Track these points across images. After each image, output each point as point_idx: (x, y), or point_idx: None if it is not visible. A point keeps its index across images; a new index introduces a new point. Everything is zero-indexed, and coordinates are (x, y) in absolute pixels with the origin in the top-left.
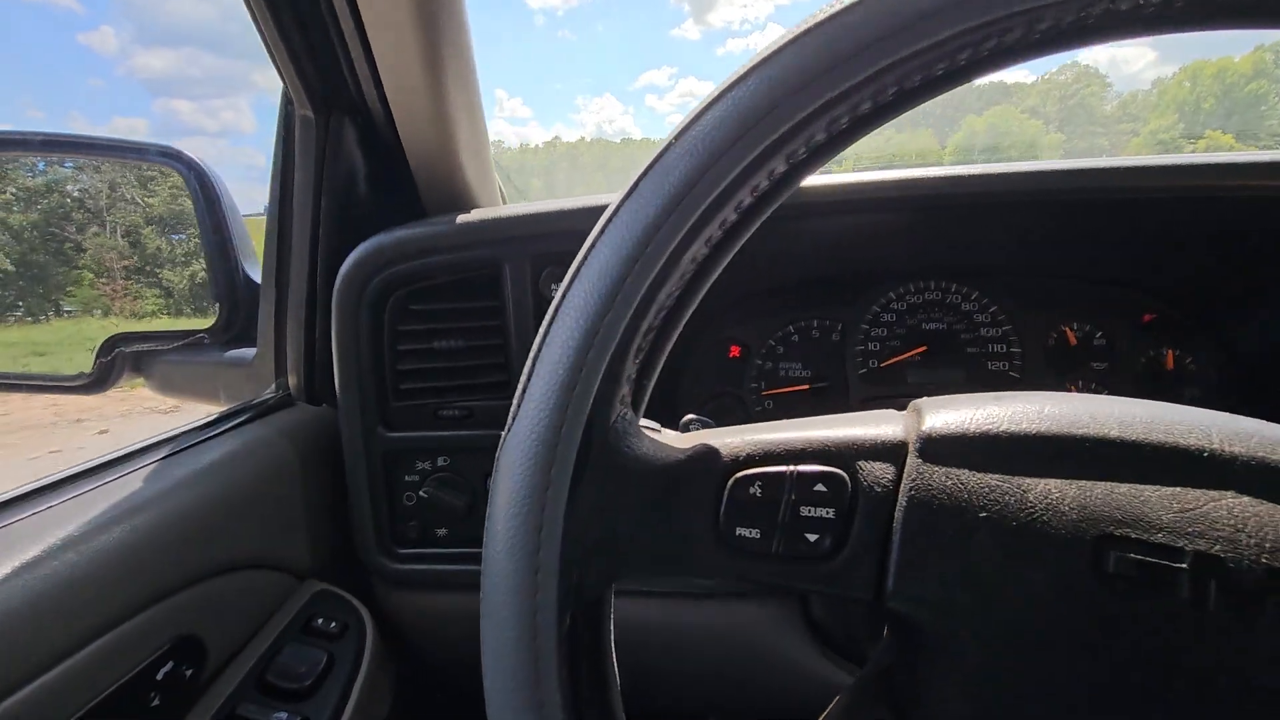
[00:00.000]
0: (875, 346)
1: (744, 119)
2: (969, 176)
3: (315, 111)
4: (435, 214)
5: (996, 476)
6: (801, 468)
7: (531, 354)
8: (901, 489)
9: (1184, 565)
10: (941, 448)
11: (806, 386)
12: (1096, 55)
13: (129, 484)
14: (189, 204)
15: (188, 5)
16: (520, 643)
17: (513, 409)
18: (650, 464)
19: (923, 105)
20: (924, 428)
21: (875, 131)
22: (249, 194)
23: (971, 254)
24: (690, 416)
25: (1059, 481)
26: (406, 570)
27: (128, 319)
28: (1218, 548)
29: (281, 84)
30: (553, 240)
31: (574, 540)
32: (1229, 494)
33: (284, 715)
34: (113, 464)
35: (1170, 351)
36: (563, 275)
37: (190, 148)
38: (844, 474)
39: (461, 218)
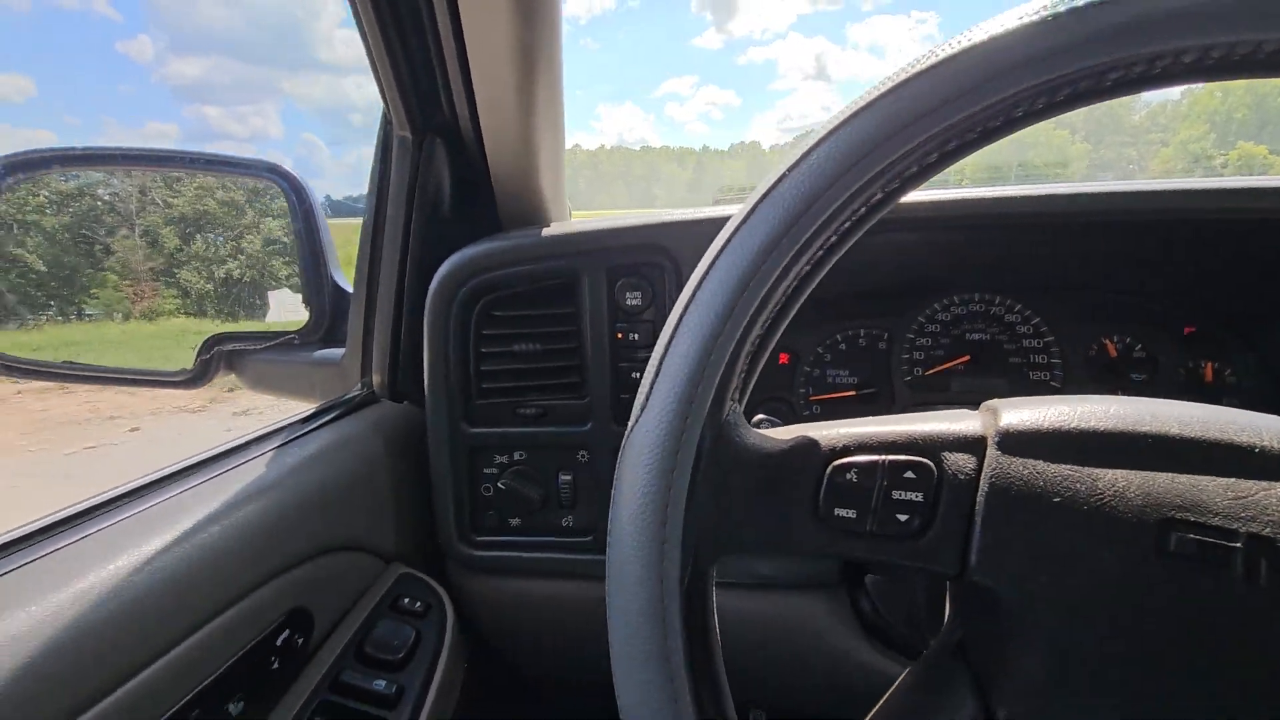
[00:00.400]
0: (920, 355)
1: (848, 157)
2: (1016, 198)
3: (412, 133)
4: (511, 227)
5: (1069, 467)
6: (893, 457)
7: (657, 356)
8: (983, 477)
9: (1238, 545)
10: (1018, 441)
11: (853, 393)
12: None
13: (249, 471)
14: (213, 204)
15: (219, 12)
16: (650, 603)
17: (639, 404)
18: (757, 453)
19: None
20: (1002, 424)
21: None
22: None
23: (1015, 268)
24: (761, 416)
25: (1125, 472)
26: (482, 556)
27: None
28: (1268, 530)
29: (382, 106)
30: (627, 253)
31: (692, 519)
32: (1279, 485)
33: (383, 683)
34: (232, 452)
35: (1209, 364)
36: (636, 285)
37: (218, 152)
38: (930, 463)
39: (545, 232)
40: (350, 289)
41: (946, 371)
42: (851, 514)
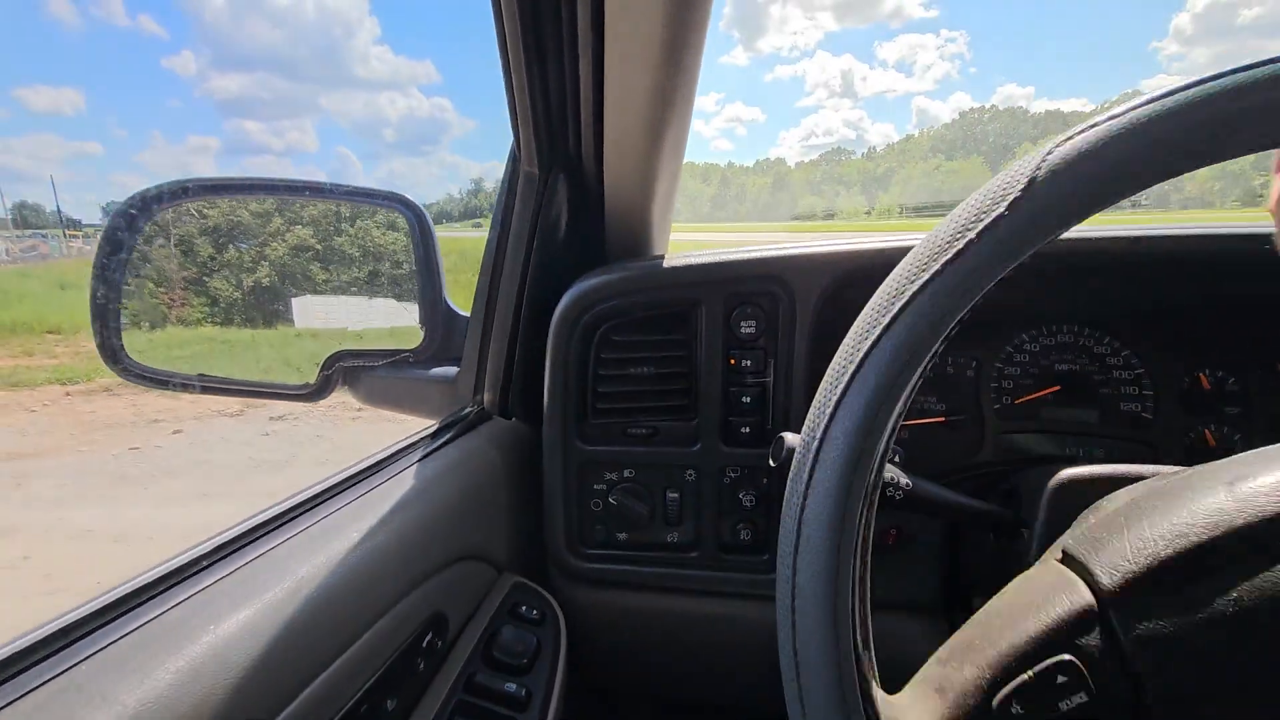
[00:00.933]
0: (1009, 384)
1: (999, 255)
2: (1115, 238)
3: (539, 169)
4: (617, 255)
5: (1202, 589)
6: (1036, 669)
7: (831, 396)
8: (1125, 646)
9: None
10: (1132, 598)
11: (943, 419)
12: (1161, 83)
13: (394, 487)
14: (246, 214)
15: (263, 29)
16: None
17: (818, 431)
18: None
19: (974, 133)
20: (1105, 584)
21: (922, 158)
22: None
23: (1104, 301)
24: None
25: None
26: (592, 569)
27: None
28: None
29: (512, 142)
30: (744, 284)
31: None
32: None
33: (513, 686)
34: (376, 468)
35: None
36: (750, 314)
37: (256, 165)
38: (1070, 657)
39: (666, 263)
40: (460, 311)
41: (1036, 401)
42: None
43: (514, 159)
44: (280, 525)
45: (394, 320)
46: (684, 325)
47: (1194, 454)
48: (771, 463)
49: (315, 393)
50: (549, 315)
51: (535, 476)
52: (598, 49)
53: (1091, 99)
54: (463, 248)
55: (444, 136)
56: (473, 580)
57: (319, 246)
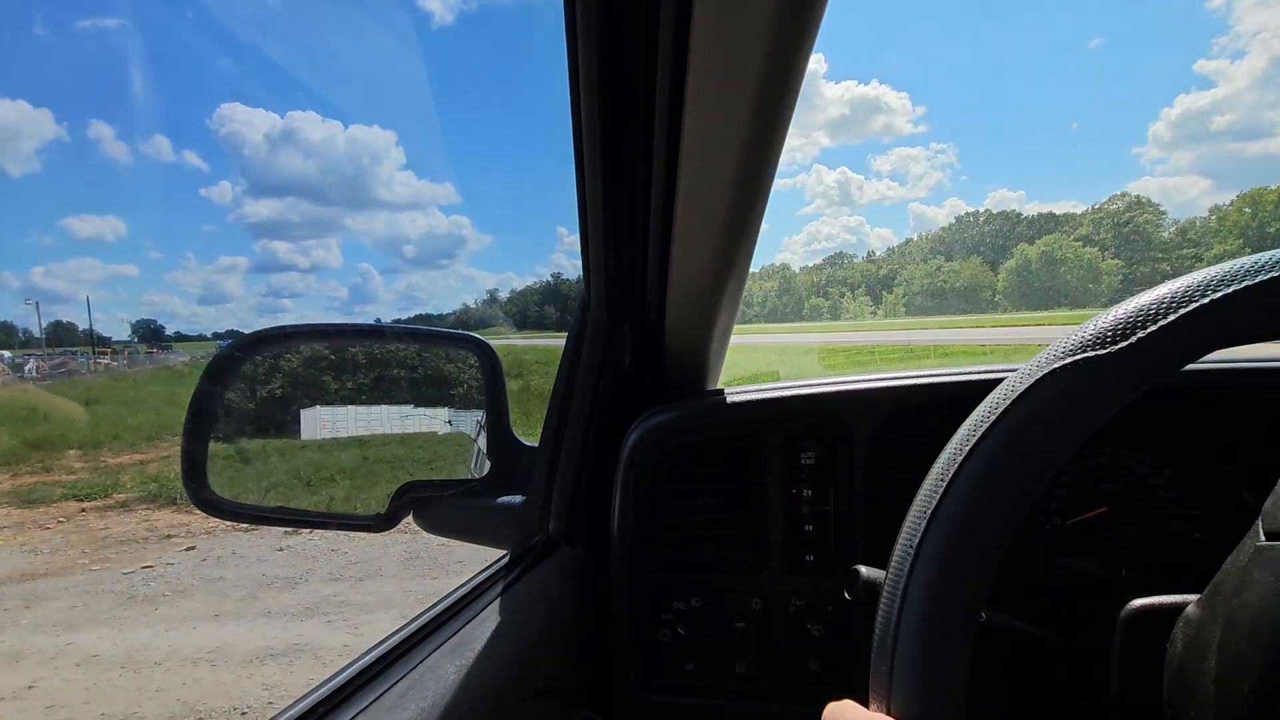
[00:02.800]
0: (1056, 505)
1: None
2: None
3: (608, 316)
4: (676, 391)
5: None
6: None
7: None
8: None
9: None
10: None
11: None
12: (1147, 185)
13: (480, 625)
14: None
15: (295, 161)
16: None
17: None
18: None
19: (970, 235)
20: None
21: (922, 259)
22: (328, 318)
23: (1144, 425)
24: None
25: None
26: (660, 700)
27: None
28: None
29: (583, 290)
30: (803, 418)
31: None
32: None
33: None
34: (459, 605)
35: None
36: (810, 447)
37: (283, 281)
38: None
39: (729, 398)
40: (525, 443)
41: (1085, 522)
42: None
43: (584, 305)
44: (389, 665)
45: (406, 427)
46: (747, 457)
47: None
48: (847, 596)
49: (385, 522)
50: (614, 447)
51: (601, 606)
52: (668, 218)
53: (1081, 200)
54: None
55: (461, 251)
56: (546, 717)
57: (332, 357)
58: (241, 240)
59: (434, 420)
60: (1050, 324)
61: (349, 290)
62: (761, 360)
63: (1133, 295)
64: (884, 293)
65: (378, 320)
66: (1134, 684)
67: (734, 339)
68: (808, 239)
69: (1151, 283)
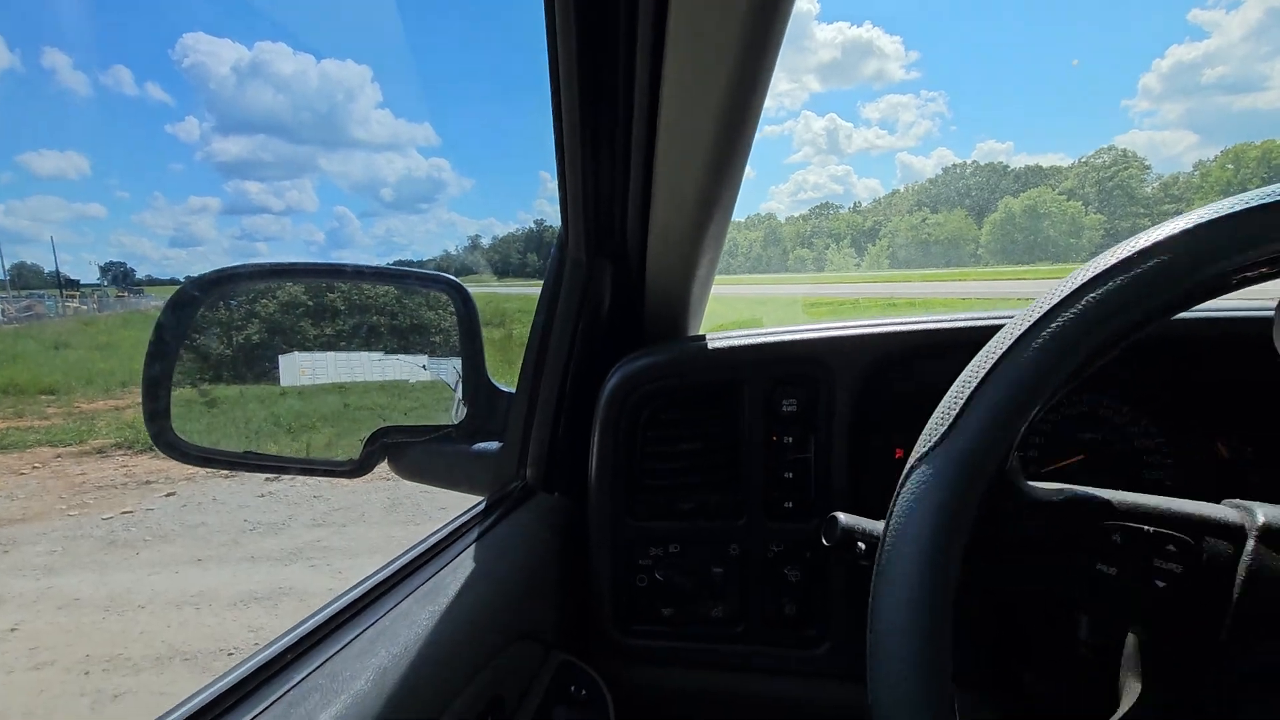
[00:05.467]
0: (1034, 454)
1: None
2: None
3: (586, 256)
4: (656, 334)
5: None
6: (1158, 529)
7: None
8: (1240, 564)
9: None
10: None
11: None
12: (1135, 138)
13: (456, 569)
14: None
15: (266, 95)
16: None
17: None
18: (1036, 502)
19: (956, 187)
20: (1260, 521)
21: (909, 211)
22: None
23: (1123, 374)
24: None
25: None
26: (638, 645)
27: None
28: None
29: (561, 229)
30: (786, 365)
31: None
32: None
33: None
34: (435, 550)
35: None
36: (792, 393)
37: (256, 224)
38: (1191, 541)
39: (711, 344)
40: (502, 388)
41: (1062, 469)
42: (1112, 570)
43: (561, 245)
44: (358, 613)
45: (386, 374)
46: (727, 403)
47: None
48: (825, 542)
49: (358, 468)
50: (593, 393)
51: (579, 552)
52: (649, 154)
53: (1069, 153)
54: None
55: (441, 195)
56: (526, 660)
57: (310, 303)
58: (211, 180)
59: (414, 367)
60: (1032, 278)
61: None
62: (745, 310)
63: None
64: (869, 245)
65: (357, 265)
66: (1101, 628)
67: (717, 289)
68: (794, 188)
69: (1132, 235)
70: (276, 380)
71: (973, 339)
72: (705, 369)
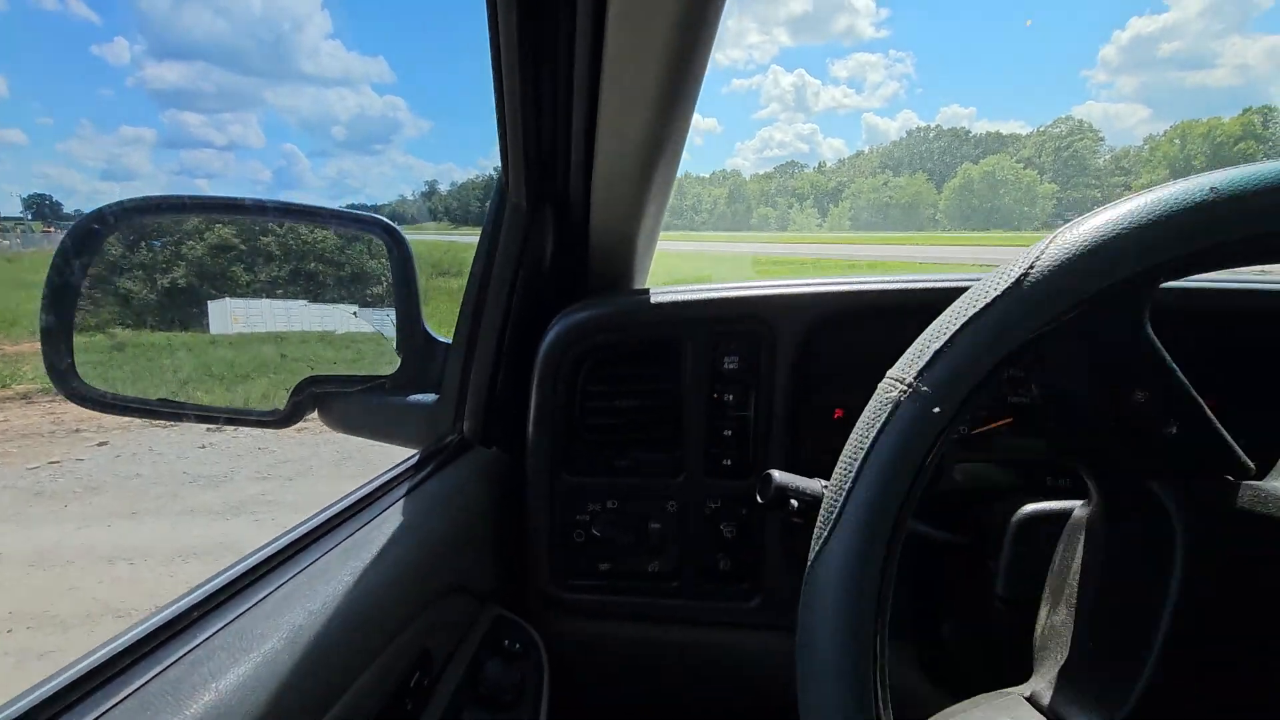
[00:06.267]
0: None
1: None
2: None
3: (527, 201)
4: (600, 286)
5: None
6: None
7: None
8: None
9: None
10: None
11: None
12: (1091, 109)
13: (383, 523)
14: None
15: (204, 19)
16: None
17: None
18: None
19: (919, 151)
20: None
21: (872, 173)
22: None
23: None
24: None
25: None
26: (574, 599)
27: None
28: None
29: (499, 172)
30: (728, 322)
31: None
32: None
33: None
34: (364, 502)
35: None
36: (734, 350)
37: (197, 159)
38: None
39: (653, 299)
40: (439, 338)
41: (990, 432)
42: None
43: (500, 191)
44: (273, 569)
45: (326, 325)
46: (669, 359)
47: None
48: (759, 499)
49: (285, 419)
50: (532, 345)
51: (517, 506)
52: (593, 91)
53: (1029, 122)
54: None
55: (396, 136)
56: (457, 614)
57: (242, 247)
58: (146, 109)
59: (353, 316)
60: (987, 244)
61: (273, 173)
62: (708, 268)
63: (1066, 221)
64: (831, 205)
65: (283, 202)
66: (1018, 581)
67: (679, 245)
68: (760, 144)
69: (1082, 208)
70: (206, 328)
71: (915, 301)
72: (648, 324)
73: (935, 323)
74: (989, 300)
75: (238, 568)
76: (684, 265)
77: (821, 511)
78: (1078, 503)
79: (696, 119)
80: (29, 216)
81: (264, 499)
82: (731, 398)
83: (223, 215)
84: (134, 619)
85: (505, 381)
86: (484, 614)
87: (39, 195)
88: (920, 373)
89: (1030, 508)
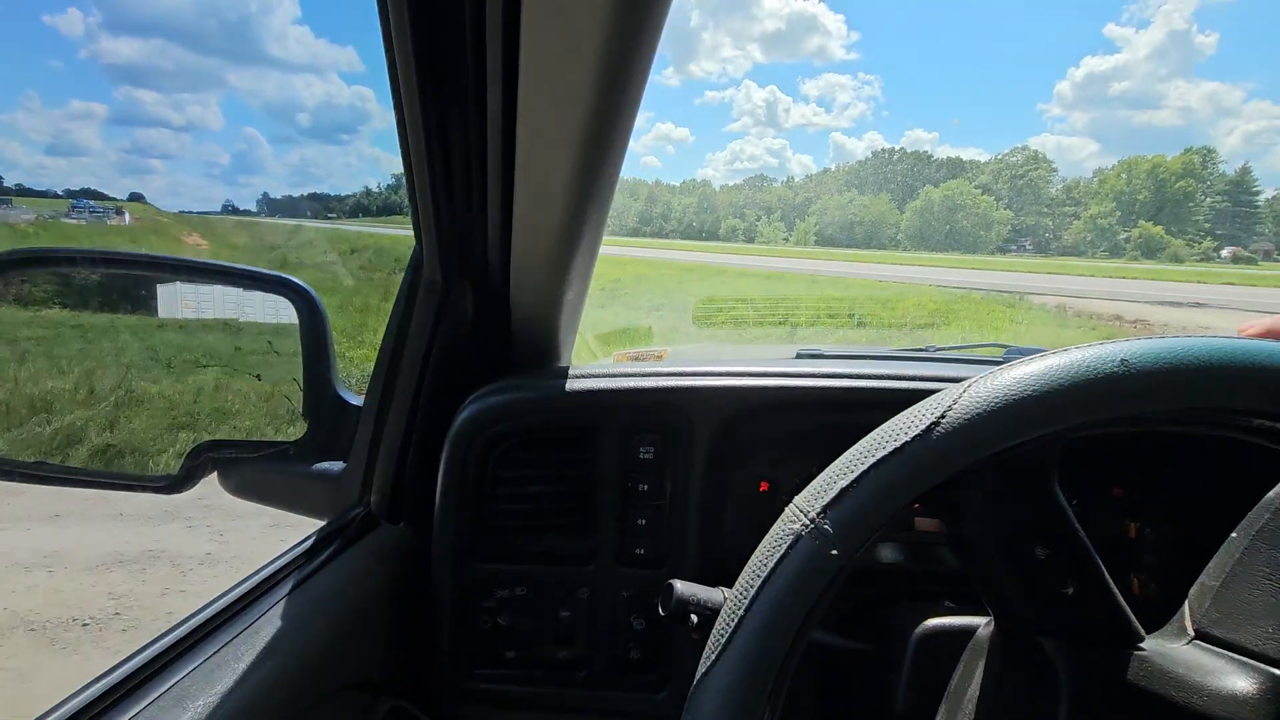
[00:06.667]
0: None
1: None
2: None
3: (443, 278)
4: (524, 361)
5: None
6: None
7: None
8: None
9: None
10: None
11: None
12: (1045, 141)
13: (273, 619)
14: None
15: None
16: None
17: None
18: None
19: (885, 172)
20: None
21: (838, 191)
22: (209, 191)
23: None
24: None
25: None
26: (478, 689)
27: None
28: None
29: (415, 247)
30: (643, 411)
31: None
32: None
33: None
34: (250, 595)
35: (1133, 524)
36: (649, 441)
37: (151, 138)
38: None
39: (569, 386)
40: (353, 400)
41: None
42: None
43: (415, 265)
44: (157, 673)
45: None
46: (584, 446)
47: None
48: (661, 611)
49: (177, 484)
50: (445, 421)
51: (421, 587)
52: (508, 174)
53: (987, 149)
54: (379, 244)
55: (364, 127)
56: (346, 713)
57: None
58: (98, 84)
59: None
60: (945, 265)
61: (231, 157)
62: (674, 278)
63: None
64: (798, 220)
65: (264, 194)
66: (916, 697)
67: (647, 253)
68: (730, 157)
69: (1032, 234)
70: (154, 311)
71: (836, 400)
72: (563, 410)
73: (845, 456)
74: (898, 445)
75: (139, 659)
76: (653, 273)
77: (713, 632)
78: (981, 620)
79: (669, 128)
80: None
81: (200, 503)
82: (646, 487)
83: (121, 270)
84: (45, 633)
85: (416, 457)
86: (378, 708)
87: None
88: (824, 509)
89: (933, 623)
